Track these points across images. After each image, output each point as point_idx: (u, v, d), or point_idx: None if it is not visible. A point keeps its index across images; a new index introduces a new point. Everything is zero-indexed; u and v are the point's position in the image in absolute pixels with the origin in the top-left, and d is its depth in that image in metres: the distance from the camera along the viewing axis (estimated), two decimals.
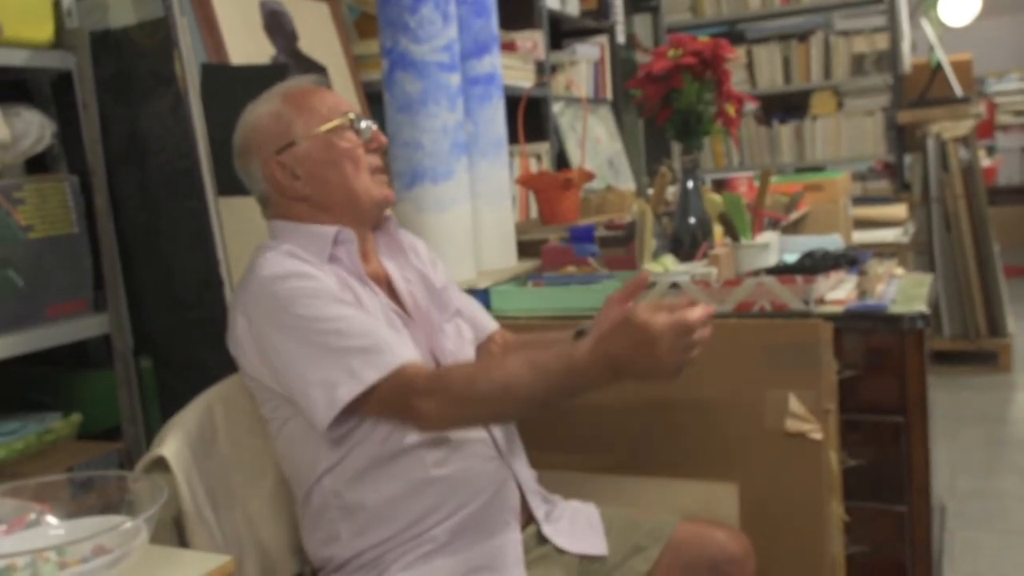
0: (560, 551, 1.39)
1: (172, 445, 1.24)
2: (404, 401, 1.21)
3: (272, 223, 1.39)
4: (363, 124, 1.37)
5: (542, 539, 1.39)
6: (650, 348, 1.10)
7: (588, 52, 3.47)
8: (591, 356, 1.15)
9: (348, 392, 1.20)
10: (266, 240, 1.38)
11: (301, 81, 1.43)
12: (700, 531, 1.48)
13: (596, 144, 3.47)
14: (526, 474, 1.41)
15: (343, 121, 1.36)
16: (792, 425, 1.54)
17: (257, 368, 1.29)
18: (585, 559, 1.40)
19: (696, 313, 1.12)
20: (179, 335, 1.72)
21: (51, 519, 1.01)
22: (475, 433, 1.34)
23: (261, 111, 1.37)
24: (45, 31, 1.63)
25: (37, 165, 1.74)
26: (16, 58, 1.59)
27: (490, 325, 1.58)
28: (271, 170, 1.35)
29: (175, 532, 1.23)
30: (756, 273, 1.75)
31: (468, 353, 1.46)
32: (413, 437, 1.28)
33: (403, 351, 1.24)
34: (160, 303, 1.74)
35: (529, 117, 2.65)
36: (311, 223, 1.35)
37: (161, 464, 1.22)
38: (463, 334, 1.47)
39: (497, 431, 1.37)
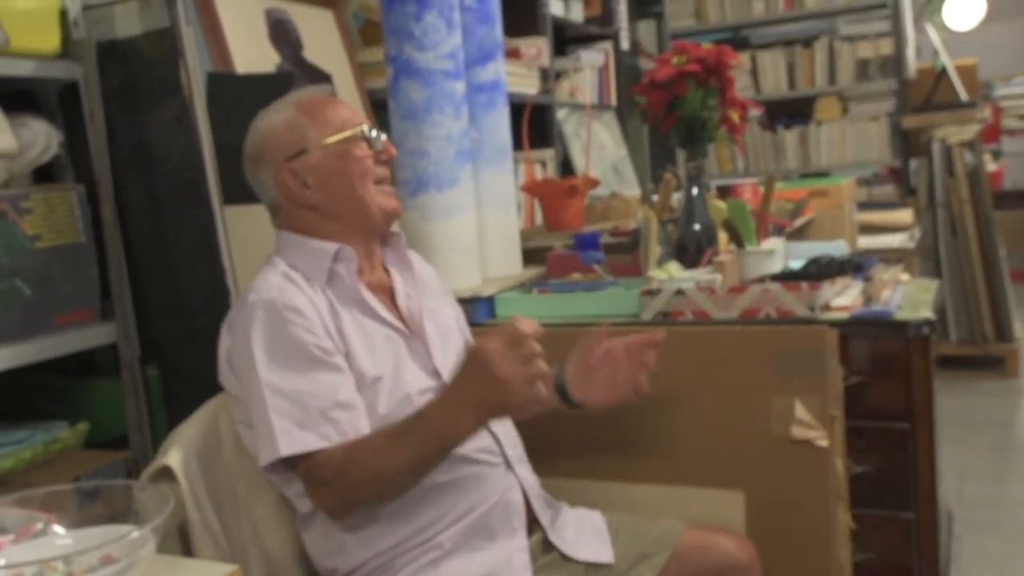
0: (566, 558, 1.39)
1: (177, 454, 1.25)
2: (307, 486, 1.25)
3: (280, 234, 1.40)
4: (374, 136, 1.39)
5: (548, 546, 1.39)
6: (490, 372, 1.09)
7: (592, 58, 3.48)
8: (446, 411, 1.16)
9: (268, 454, 1.23)
10: (272, 251, 1.39)
11: (315, 91, 1.45)
12: (706, 538, 1.48)
13: (601, 150, 3.47)
14: (531, 481, 1.41)
15: (355, 132, 1.37)
16: (798, 432, 1.54)
17: (234, 387, 1.32)
18: (591, 567, 1.40)
19: (521, 324, 1.10)
20: (185, 344, 1.72)
21: (58, 529, 1.01)
22: (480, 440, 1.34)
23: (275, 119, 1.38)
24: (52, 41, 1.64)
25: (44, 175, 1.75)
26: (23, 68, 1.59)
27: None
28: (282, 177, 1.36)
29: (180, 541, 1.23)
30: (761, 280, 1.75)
31: None
32: None
33: (319, 433, 1.23)
34: (167, 312, 1.74)
35: (534, 124, 2.65)
36: (316, 238, 1.36)
37: (167, 473, 1.23)
38: (462, 348, 1.47)
39: (502, 436, 1.37)
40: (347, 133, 1.36)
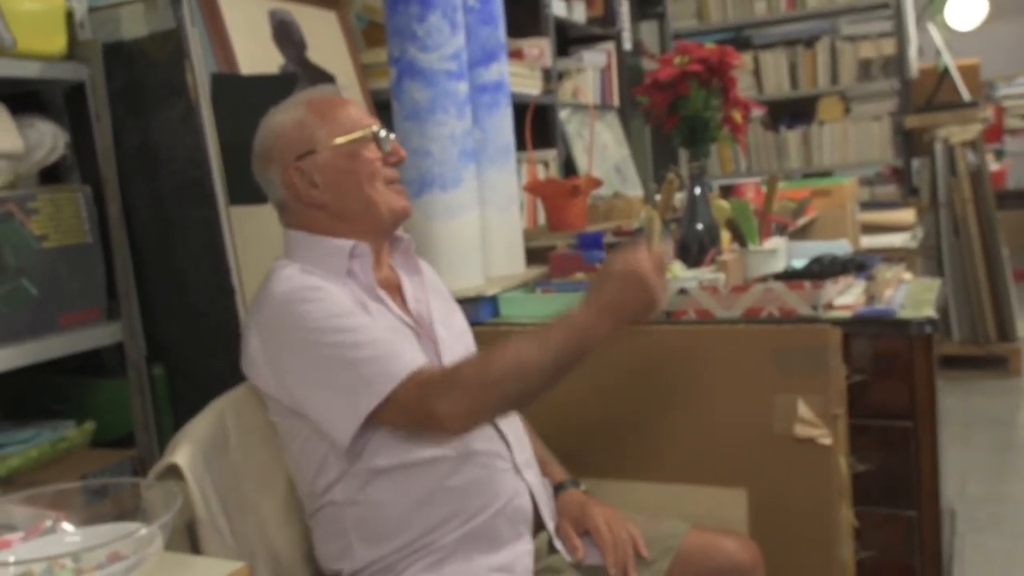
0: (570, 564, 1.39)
1: (185, 452, 1.25)
2: (422, 406, 1.22)
3: (288, 234, 1.40)
4: (384, 137, 1.39)
5: (553, 547, 1.39)
6: (646, 287, 1.22)
7: (595, 59, 3.49)
8: (589, 312, 1.22)
9: (367, 404, 1.21)
10: (280, 253, 1.39)
11: (326, 91, 1.45)
12: (709, 540, 1.48)
13: (603, 150, 3.48)
14: (539, 485, 1.41)
15: (365, 133, 1.37)
16: (801, 430, 1.55)
17: (272, 387, 1.30)
18: (594, 569, 1.40)
19: (663, 252, 1.26)
20: (191, 343, 1.73)
21: (67, 526, 1.02)
22: (489, 444, 1.34)
23: (284, 118, 1.38)
24: (58, 43, 1.65)
25: (50, 175, 1.76)
26: (30, 70, 1.60)
27: None
28: (290, 176, 1.36)
29: (188, 539, 1.24)
30: (764, 279, 1.76)
31: None
32: (425, 450, 1.29)
33: (416, 356, 1.26)
34: (172, 311, 1.75)
35: (536, 124, 2.66)
36: (327, 235, 1.36)
37: (174, 471, 1.23)
38: (470, 351, 1.48)
39: (512, 441, 1.38)
40: (357, 134, 1.36)
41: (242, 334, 1.34)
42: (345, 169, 1.35)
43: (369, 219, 1.37)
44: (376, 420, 1.24)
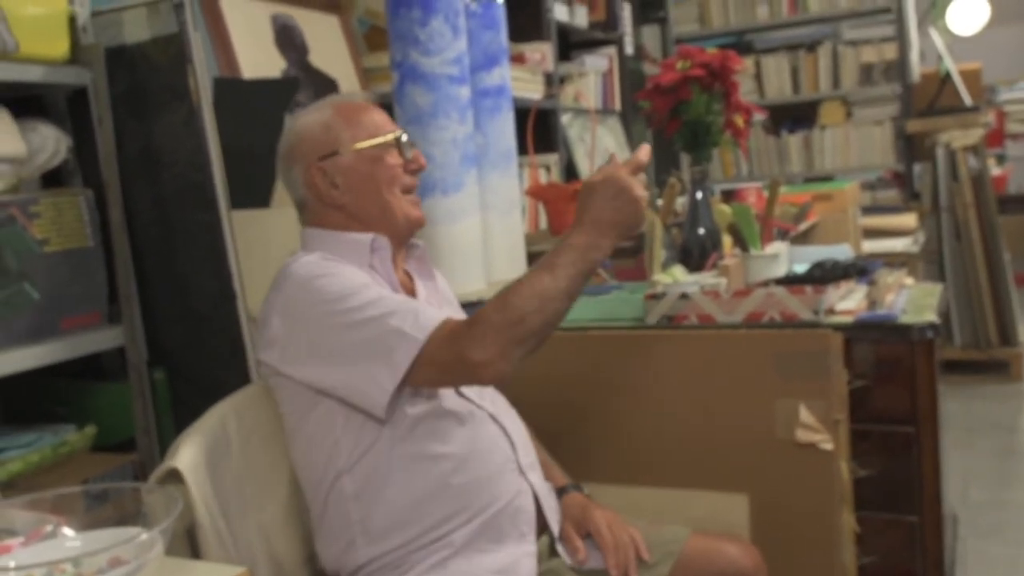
0: (571, 567, 1.39)
1: (186, 457, 1.25)
2: (455, 354, 1.21)
3: (306, 231, 1.42)
4: (406, 144, 1.41)
5: (554, 552, 1.39)
6: (629, 193, 1.24)
7: (597, 63, 3.49)
8: (583, 231, 1.24)
9: (402, 364, 1.22)
10: (282, 257, 1.40)
11: (354, 96, 1.48)
12: (711, 545, 1.48)
13: (605, 155, 3.48)
14: (543, 487, 1.41)
15: (388, 139, 1.39)
16: (802, 435, 1.54)
17: (294, 367, 1.30)
18: (595, 572, 1.40)
19: (641, 153, 1.28)
20: (193, 347, 1.73)
21: (67, 531, 1.01)
22: (494, 444, 1.35)
23: (311, 119, 1.41)
24: (61, 47, 1.65)
25: (53, 179, 1.76)
26: (32, 74, 1.61)
27: None
28: (311, 175, 1.38)
29: (188, 543, 1.24)
30: (766, 283, 1.75)
31: None
32: (433, 445, 1.29)
33: (438, 312, 1.27)
34: (174, 315, 1.75)
35: (538, 128, 2.66)
36: (345, 231, 1.38)
37: (175, 476, 1.23)
38: None
39: (517, 443, 1.38)
40: (380, 139, 1.39)
41: (259, 320, 1.35)
42: (366, 172, 1.38)
43: (385, 223, 1.39)
44: (411, 381, 1.25)
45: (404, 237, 1.43)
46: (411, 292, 1.43)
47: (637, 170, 1.26)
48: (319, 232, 1.40)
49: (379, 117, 1.42)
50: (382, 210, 1.38)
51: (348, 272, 1.30)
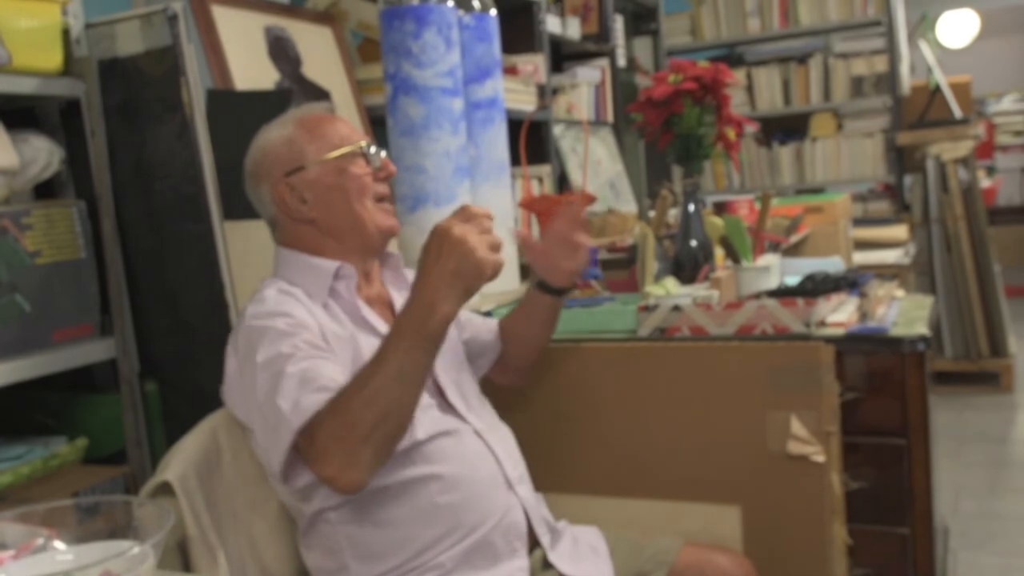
0: None
1: (176, 470, 1.25)
2: (313, 461, 1.16)
3: (278, 251, 1.41)
4: (373, 152, 1.39)
5: (547, 564, 1.39)
6: (452, 237, 1.12)
7: (589, 75, 3.50)
8: (413, 302, 1.14)
9: (282, 445, 1.18)
10: (271, 271, 1.40)
11: (316, 108, 1.46)
12: (704, 557, 1.48)
13: (597, 166, 3.49)
14: (532, 501, 1.41)
15: (353, 149, 1.38)
16: (794, 447, 1.55)
17: (239, 408, 1.30)
18: None
19: (474, 208, 1.17)
20: (185, 359, 1.72)
21: (59, 544, 1.01)
22: (480, 461, 1.34)
23: (274, 135, 1.40)
24: (54, 60, 1.65)
25: (45, 191, 1.76)
26: (25, 86, 1.60)
27: (494, 324, 1.61)
28: (280, 193, 1.37)
29: (179, 557, 1.23)
30: (757, 296, 1.76)
31: (472, 392, 1.47)
32: (414, 469, 1.29)
33: (313, 402, 1.17)
34: (166, 327, 1.74)
35: (531, 140, 2.67)
36: (315, 255, 1.37)
37: (166, 489, 1.23)
38: (464, 369, 1.48)
39: (503, 458, 1.38)
40: (345, 150, 1.37)
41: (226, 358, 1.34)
42: (334, 185, 1.36)
43: (356, 236, 1.38)
44: (301, 457, 1.21)
45: (379, 247, 1.42)
46: (388, 306, 1.43)
47: (469, 219, 1.15)
48: (289, 254, 1.38)
49: (343, 127, 1.41)
50: (353, 222, 1.37)
51: (287, 328, 1.24)
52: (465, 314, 1.58)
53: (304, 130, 1.38)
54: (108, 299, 1.73)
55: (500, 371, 1.60)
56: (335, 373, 1.21)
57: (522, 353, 1.59)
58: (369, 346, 1.32)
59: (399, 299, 1.45)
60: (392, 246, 1.49)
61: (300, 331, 1.25)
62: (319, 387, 1.17)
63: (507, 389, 1.64)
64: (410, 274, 1.50)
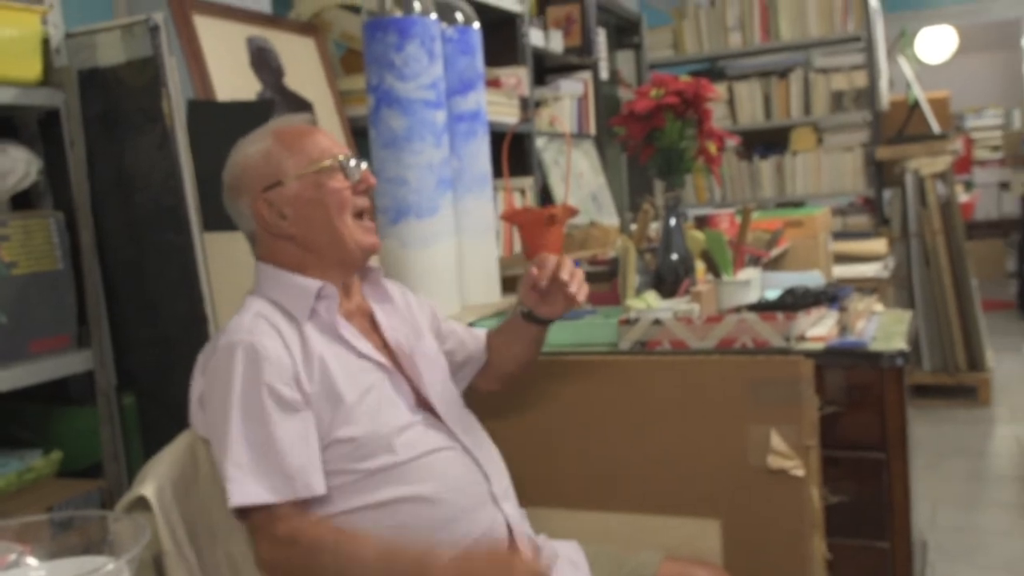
0: None
1: (152, 484, 1.24)
2: (260, 538, 1.23)
3: (258, 267, 1.39)
4: (352, 165, 1.38)
5: None
6: (508, 572, 1.19)
7: (572, 88, 3.52)
8: (448, 570, 1.17)
9: (248, 495, 1.21)
10: (252, 286, 1.39)
11: (294, 120, 1.44)
12: (683, 571, 1.48)
13: (579, 178, 3.50)
14: (517, 517, 1.41)
15: (332, 163, 1.36)
16: (774, 461, 1.55)
17: (203, 428, 1.30)
18: None
19: (536, 563, 1.25)
20: (163, 372, 1.71)
21: (31, 560, 1.00)
22: (467, 474, 1.34)
23: (251, 150, 1.38)
24: (33, 69, 1.64)
25: (23, 201, 1.74)
26: (4, 95, 1.59)
27: (480, 335, 1.61)
28: (258, 208, 1.35)
29: (156, 572, 1.22)
30: (738, 310, 1.77)
31: (458, 404, 1.46)
32: (396, 488, 1.28)
33: (279, 485, 1.23)
34: (144, 339, 1.73)
35: (513, 152, 2.67)
36: (296, 272, 1.35)
37: (142, 503, 1.22)
38: (449, 383, 1.48)
39: (492, 474, 1.37)
40: (323, 164, 1.35)
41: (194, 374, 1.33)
42: (313, 199, 1.34)
43: (336, 252, 1.36)
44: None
45: (358, 264, 1.40)
46: (370, 319, 1.42)
47: (534, 573, 1.21)
48: (270, 271, 1.37)
49: (322, 139, 1.38)
50: (332, 238, 1.35)
51: (267, 380, 1.24)
52: (448, 325, 1.58)
53: (282, 144, 1.36)
54: (86, 311, 1.72)
55: (484, 379, 1.60)
56: (288, 446, 1.23)
57: (509, 367, 1.59)
58: (353, 366, 1.32)
59: (379, 312, 1.44)
60: (373, 260, 1.48)
61: (275, 381, 1.24)
62: (268, 471, 1.22)
63: (487, 402, 1.63)
64: (391, 285, 1.50)
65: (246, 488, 1.21)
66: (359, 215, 1.38)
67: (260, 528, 1.23)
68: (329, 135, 1.43)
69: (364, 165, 1.40)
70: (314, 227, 1.35)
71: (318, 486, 1.24)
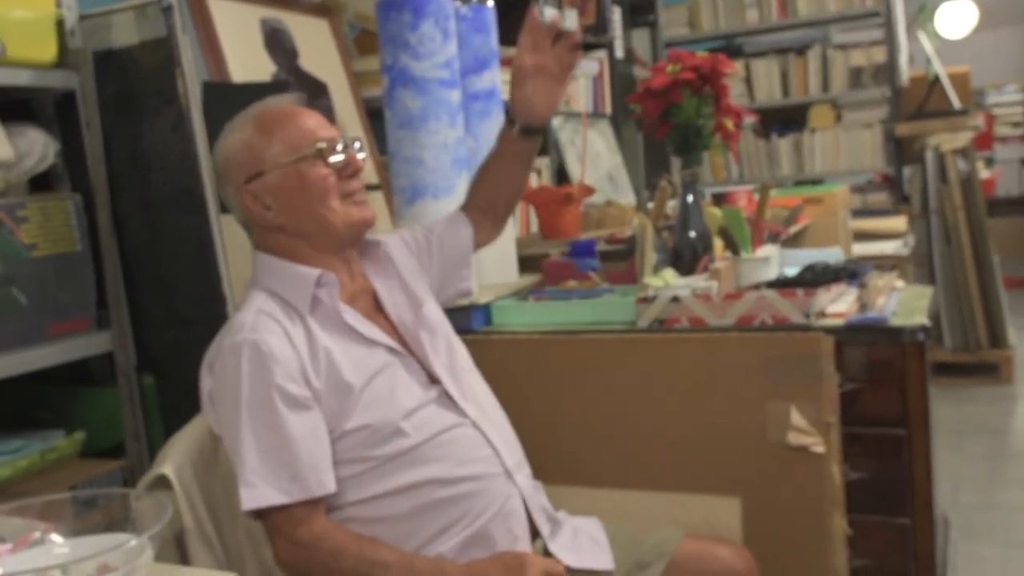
0: (566, 568, 1.38)
1: (173, 463, 1.25)
2: (277, 538, 1.23)
3: (257, 256, 1.37)
4: (335, 151, 1.33)
5: (548, 555, 1.39)
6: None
7: (587, 67, 3.49)
8: (455, 569, 1.22)
9: (261, 498, 1.21)
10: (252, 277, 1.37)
11: (279, 102, 1.38)
12: (704, 548, 1.48)
13: (596, 158, 3.48)
14: (530, 490, 1.40)
15: (311, 150, 1.32)
16: (794, 438, 1.54)
17: (216, 424, 1.29)
18: (590, 574, 1.40)
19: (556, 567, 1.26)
20: (181, 352, 1.72)
21: (56, 537, 1.01)
22: (478, 452, 1.34)
23: (233, 138, 1.34)
24: (49, 51, 1.64)
25: (40, 184, 1.75)
26: (20, 78, 1.59)
27: (452, 213, 1.62)
28: (244, 200, 1.33)
29: (177, 549, 1.23)
30: (757, 287, 1.76)
31: (465, 370, 1.45)
32: (411, 473, 1.28)
33: (291, 487, 1.22)
34: (162, 320, 1.74)
35: None
36: (293, 261, 1.33)
37: (163, 482, 1.23)
38: (455, 348, 1.47)
39: (500, 447, 1.37)
40: (304, 152, 1.31)
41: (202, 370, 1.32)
42: (295, 188, 1.31)
43: (327, 238, 1.34)
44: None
45: (353, 241, 1.38)
46: (372, 298, 1.40)
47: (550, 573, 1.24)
48: (268, 260, 1.34)
49: (306, 121, 1.33)
50: (320, 225, 1.32)
51: (274, 380, 1.22)
52: (419, 234, 1.56)
53: (261, 132, 1.32)
54: (104, 292, 1.73)
55: (478, 232, 1.61)
56: (298, 447, 1.22)
57: (501, 198, 1.59)
58: (360, 355, 1.31)
59: (383, 289, 1.42)
60: (371, 236, 1.45)
61: (282, 380, 1.23)
62: (279, 473, 1.21)
63: (504, 380, 1.62)
64: (383, 247, 1.45)
65: (260, 491, 1.20)
66: (347, 196, 1.34)
67: (278, 529, 1.22)
68: (315, 115, 1.37)
69: (357, 144, 1.37)
70: (300, 216, 1.32)
71: (330, 483, 1.24)
